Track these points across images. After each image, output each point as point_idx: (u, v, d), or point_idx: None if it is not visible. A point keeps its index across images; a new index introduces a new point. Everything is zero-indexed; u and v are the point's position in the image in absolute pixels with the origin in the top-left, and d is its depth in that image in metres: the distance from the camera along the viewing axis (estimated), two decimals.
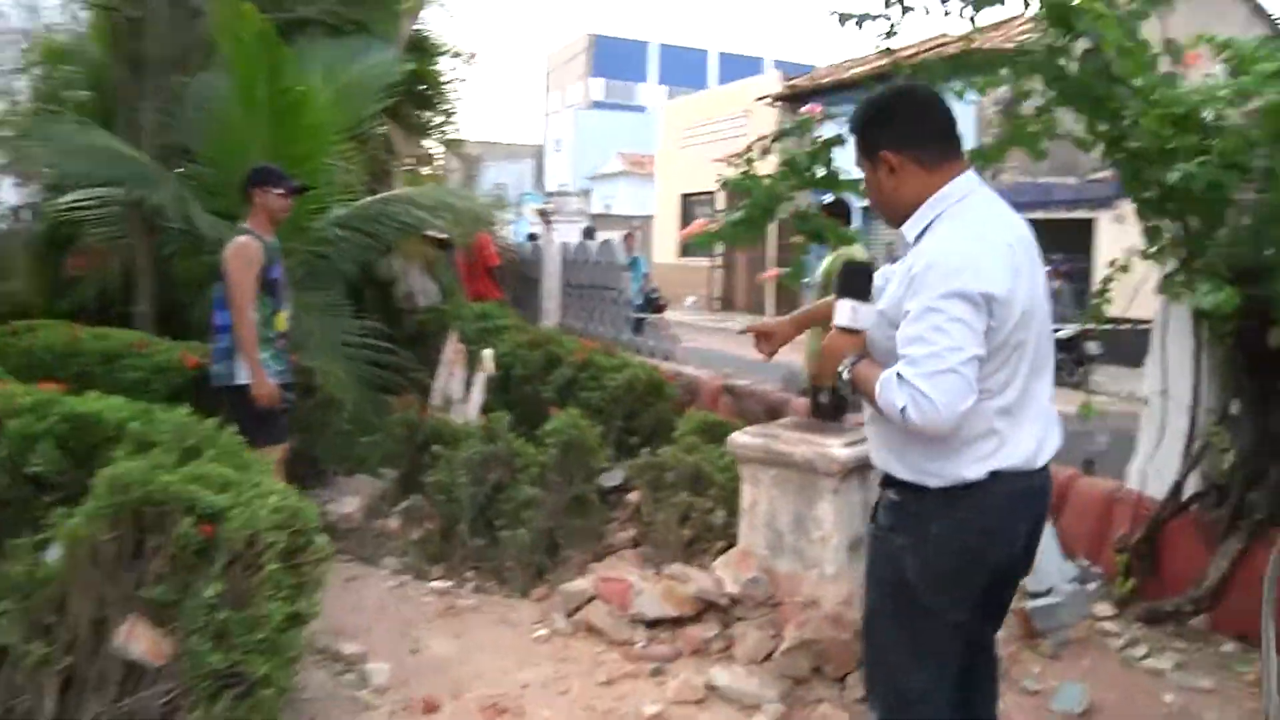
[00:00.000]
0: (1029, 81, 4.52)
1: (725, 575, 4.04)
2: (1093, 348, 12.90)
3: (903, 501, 2.37)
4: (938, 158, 2.30)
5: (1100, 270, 15.82)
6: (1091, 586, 4.75)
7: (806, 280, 5.96)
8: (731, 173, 5.04)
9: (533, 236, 14.69)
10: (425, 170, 11.38)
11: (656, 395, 6.00)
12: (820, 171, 4.86)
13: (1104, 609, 4.45)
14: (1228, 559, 4.16)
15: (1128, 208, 14.52)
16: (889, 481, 2.43)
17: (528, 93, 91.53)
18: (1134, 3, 4.02)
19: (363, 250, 7.86)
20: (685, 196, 27.22)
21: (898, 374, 2.15)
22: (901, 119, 2.34)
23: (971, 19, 4.53)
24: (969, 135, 17.46)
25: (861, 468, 4.08)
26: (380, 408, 6.67)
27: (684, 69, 45.82)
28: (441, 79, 11.58)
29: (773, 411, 7.61)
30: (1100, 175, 14.95)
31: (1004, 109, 4.98)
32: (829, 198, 5.94)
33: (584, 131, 40.44)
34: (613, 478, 5.40)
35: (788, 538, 4.11)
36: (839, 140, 4.79)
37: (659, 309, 14.50)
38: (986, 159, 4.87)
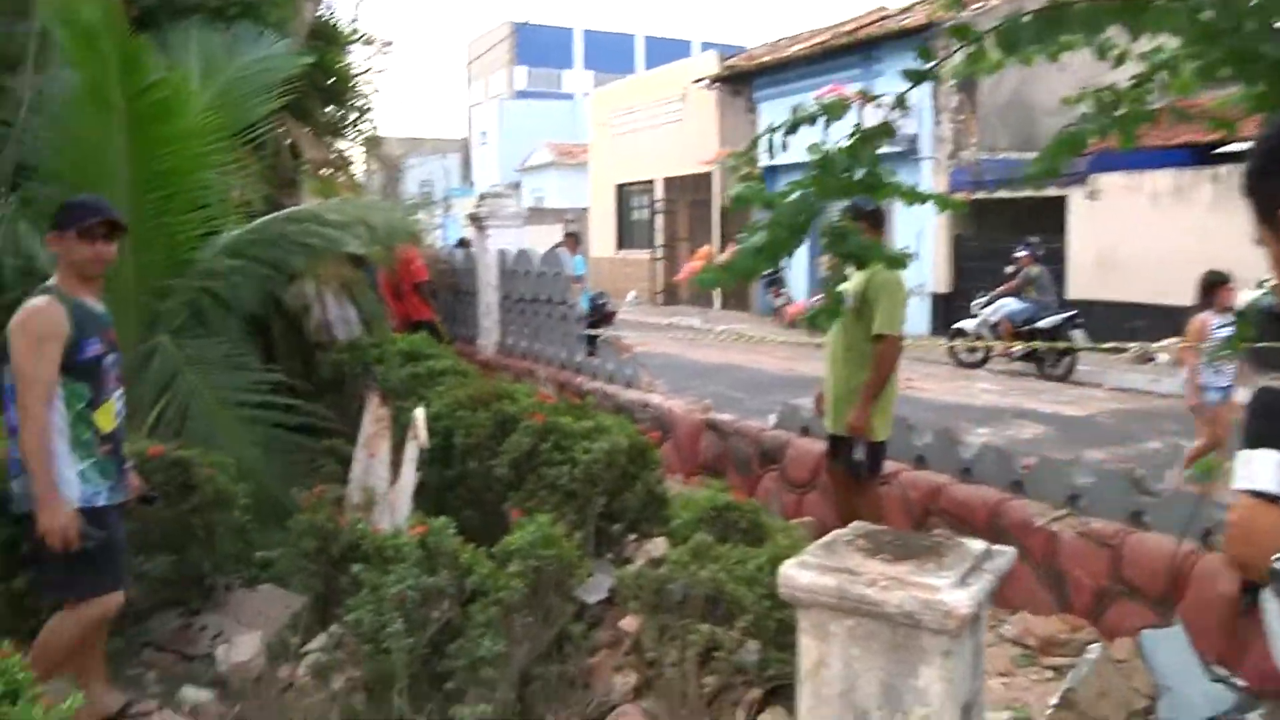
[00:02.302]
0: (1144, 40, 3.26)
1: None
2: (1079, 336, 11.83)
3: None
4: None
5: (1075, 251, 14.93)
6: (1253, 718, 3.54)
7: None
8: (739, 183, 3.72)
9: (464, 243, 13.19)
10: (341, 177, 9.83)
11: (641, 464, 4.64)
12: (859, 174, 3.56)
13: None
14: None
15: (1103, 182, 13.69)
16: None
17: (450, 84, 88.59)
18: None
19: (263, 280, 6.37)
20: (620, 187, 25.83)
21: None
22: None
23: None
24: (925, 121, 16.16)
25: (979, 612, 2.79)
26: (290, 487, 5.21)
27: (610, 54, 44.14)
28: (352, 71, 10.05)
29: (768, 456, 6.32)
30: None
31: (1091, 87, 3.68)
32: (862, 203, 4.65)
33: (510, 122, 38.65)
34: (596, 590, 4.04)
35: (874, 716, 2.79)
36: (887, 131, 3.52)
37: (608, 317, 13.12)
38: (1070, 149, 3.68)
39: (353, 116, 10.16)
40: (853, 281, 4.85)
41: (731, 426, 6.75)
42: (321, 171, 8.94)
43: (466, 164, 42.95)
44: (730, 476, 6.71)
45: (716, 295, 20.37)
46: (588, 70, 43.77)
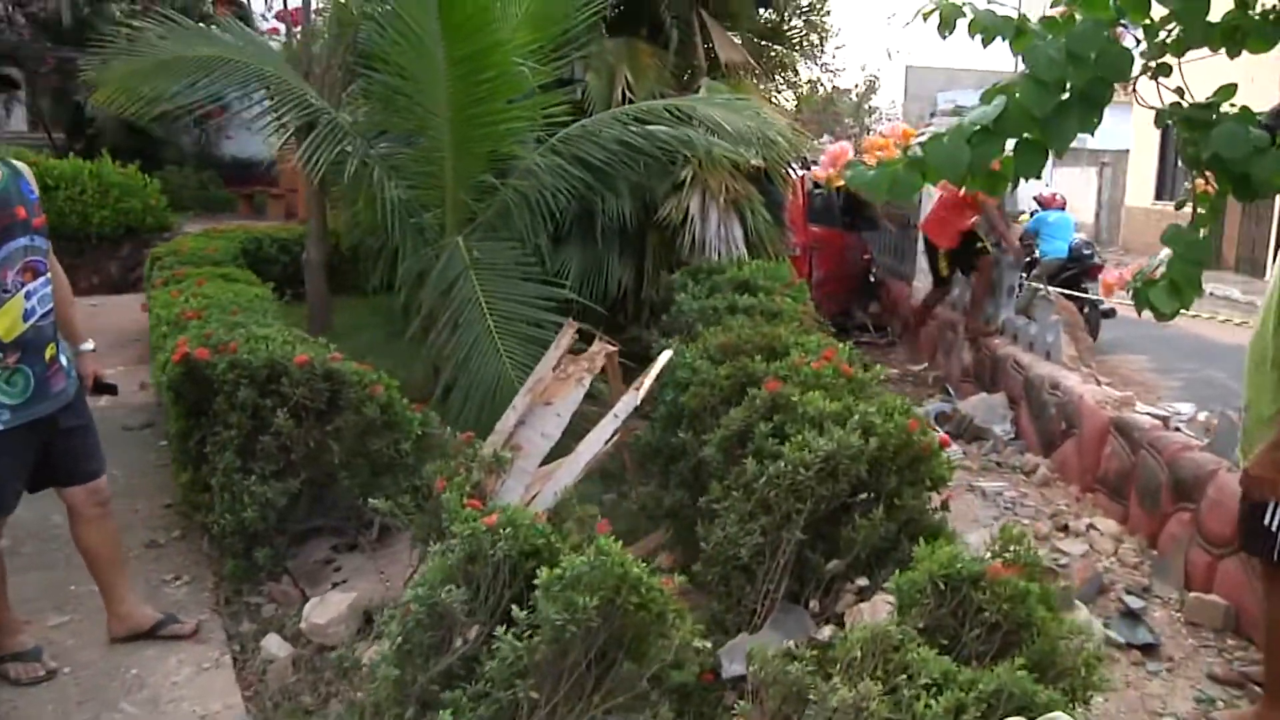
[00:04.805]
0: None
1: None
2: None
3: None
4: None
5: None
6: None
7: None
8: None
9: None
10: (771, 83, 8.67)
11: (909, 476, 3.03)
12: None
13: None
14: None
15: None
16: None
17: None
18: None
19: (571, 181, 5.49)
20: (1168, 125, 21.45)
21: None
22: None
23: None
24: None
25: None
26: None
27: None
28: None
29: (1182, 489, 4.18)
30: None
31: None
32: None
33: None
34: (733, 661, 2.62)
35: None
36: None
37: (1091, 272, 10.52)
38: None
39: (796, 22, 8.90)
40: None
41: (1146, 434, 4.60)
42: (738, 75, 7.87)
43: None
44: (1132, 505, 4.63)
45: (1269, 263, 16.02)
46: None
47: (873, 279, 10.36)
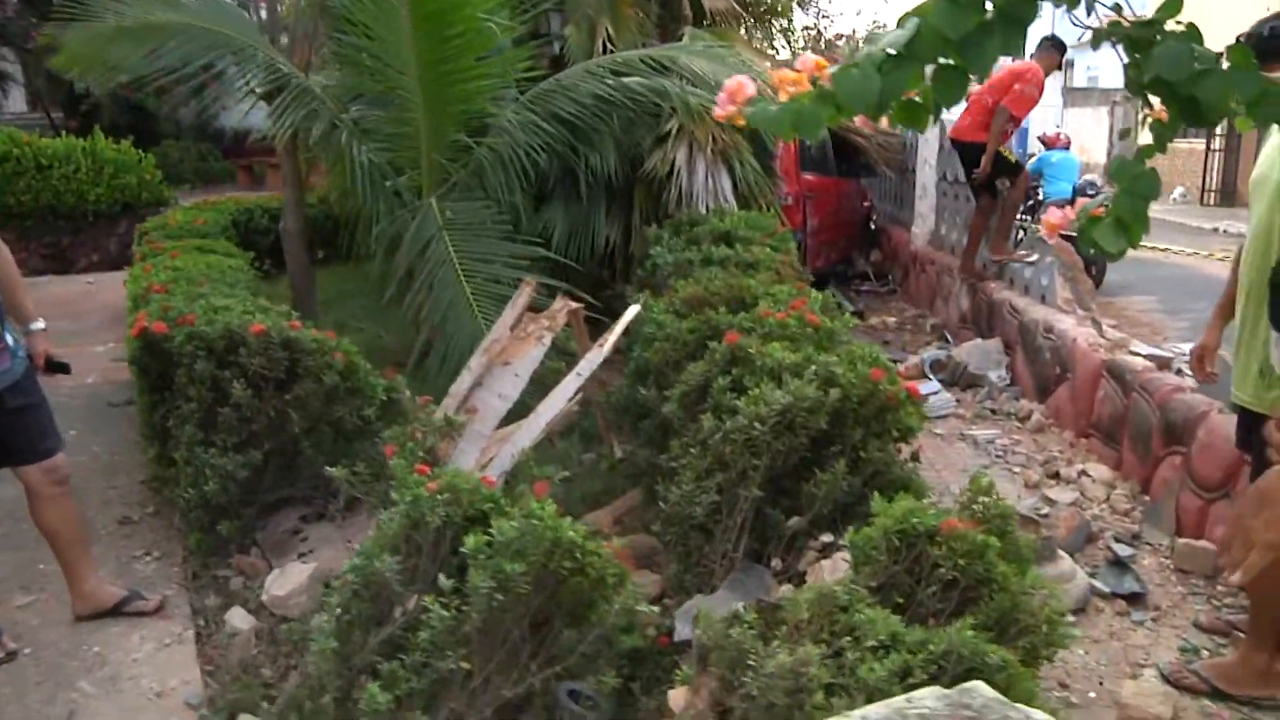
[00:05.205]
0: None
1: None
2: None
3: None
4: None
5: None
6: None
7: None
8: None
9: None
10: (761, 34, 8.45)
11: (877, 427, 2.92)
12: None
13: None
14: None
15: None
16: None
17: None
18: None
19: (548, 138, 5.34)
20: None
21: None
22: None
23: None
24: None
25: None
26: None
27: None
28: None
29: (1173, 431, 4.04)
30: None
31: None
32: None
33: None
34: (687, 624, 2.53)
35: None
36: None
37: None
38: None
39: None
40: (1267, 156, 2.57)
41: (1137, 377, 4.45)
42: (728, 23, 7.68)
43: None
44: (1124, 450, 4.49)
45: None
46: None
47: (873, 226, 10.17)
